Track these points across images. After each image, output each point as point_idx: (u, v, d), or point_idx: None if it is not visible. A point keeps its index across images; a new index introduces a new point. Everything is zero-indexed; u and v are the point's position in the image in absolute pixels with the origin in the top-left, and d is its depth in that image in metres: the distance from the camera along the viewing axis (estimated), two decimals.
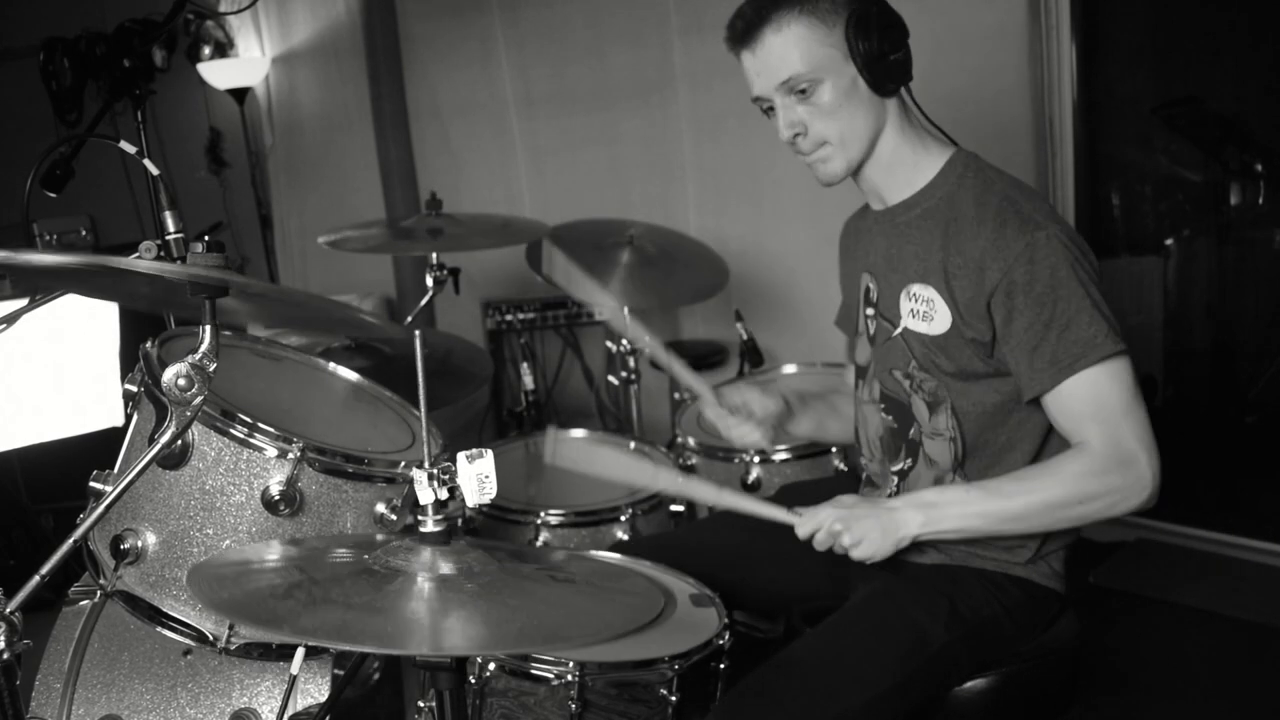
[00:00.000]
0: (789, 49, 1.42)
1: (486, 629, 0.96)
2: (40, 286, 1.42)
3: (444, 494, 1.08)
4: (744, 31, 1.45)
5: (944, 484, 1.52)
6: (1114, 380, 1.36)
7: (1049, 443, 1.49)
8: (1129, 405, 1.36)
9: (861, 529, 1.43)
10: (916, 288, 1.49)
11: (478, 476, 1.08)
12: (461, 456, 1.08)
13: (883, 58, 1.42)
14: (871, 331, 1.58)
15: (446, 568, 1.06)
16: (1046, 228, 1.38)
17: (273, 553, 1.19)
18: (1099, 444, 1.36)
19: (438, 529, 1.09)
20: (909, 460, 1.56)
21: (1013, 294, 1.38)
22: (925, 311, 1.48)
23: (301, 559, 1.15)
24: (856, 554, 1.44)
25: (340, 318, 1.57)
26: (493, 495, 1.09)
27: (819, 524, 1.46)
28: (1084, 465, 1.37)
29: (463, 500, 1.09)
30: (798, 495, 1.95)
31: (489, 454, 1.08)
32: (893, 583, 1.50)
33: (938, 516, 1.43)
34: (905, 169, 1.52)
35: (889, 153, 1.51)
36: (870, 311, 1.58)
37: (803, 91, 1.44)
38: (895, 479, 1.59)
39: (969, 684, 1.46)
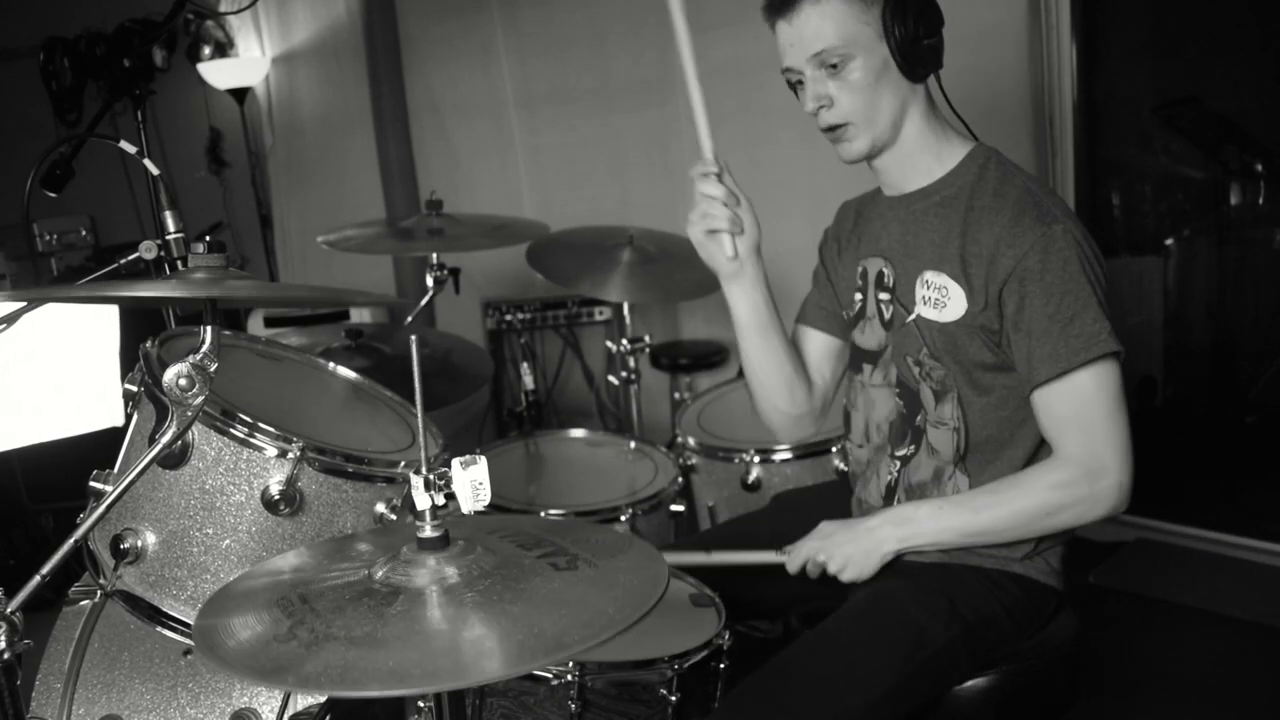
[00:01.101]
0: (825, 21, 1.43)
1: (491, 652, 0.95)
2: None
3: (441, 499, 1.08)
4: (783, 1, 1.46)
5: (943, 476, 1.53)
6: (1102, 385, 1.39)
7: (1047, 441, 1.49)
8: (1111, 412, 1.40)
9: (844, 555, 1.52)
10: (930, 275, 1.49)
11: (472, 483, 1.07)
12: (456, 463, 1.08)
13: (917, 41, 1.43)
14: (887, 316, 1.58)
15: (448, 575, 1.05)
16: (1063, 222, 1.40)
17: (278, 568, 1.18)
18: (1073, 452, 1.41)
19: (435, 534, 1.09)
20: (912, 446, 1.56)
21: (1025, 281, 1.39)
22: (937, 299, 1.48)
23: (306, 575, 1.14)
24: (844, 578, 1.52)
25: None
26: (487, 501, 1.09)
27: (805, 558, 1.55)
28: (1054, 477, 1.42)
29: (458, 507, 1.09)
30: (793, 500, 1.96)
31: (483, 460, 1.08)
32: (891, 582, 1.50)
33: (913, 532, 1.50)
34: (926, 157, 1.53)
35: (912, 139, 1.51)
36: (885, 296, 1.58)
37: (834, 66, 1.45)
38: (897, 464, 1.59)
39: (970, 683, 1.46)
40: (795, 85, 1.53)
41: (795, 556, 1.56)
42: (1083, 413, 1.39)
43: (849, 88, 1.46)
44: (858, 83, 1.45)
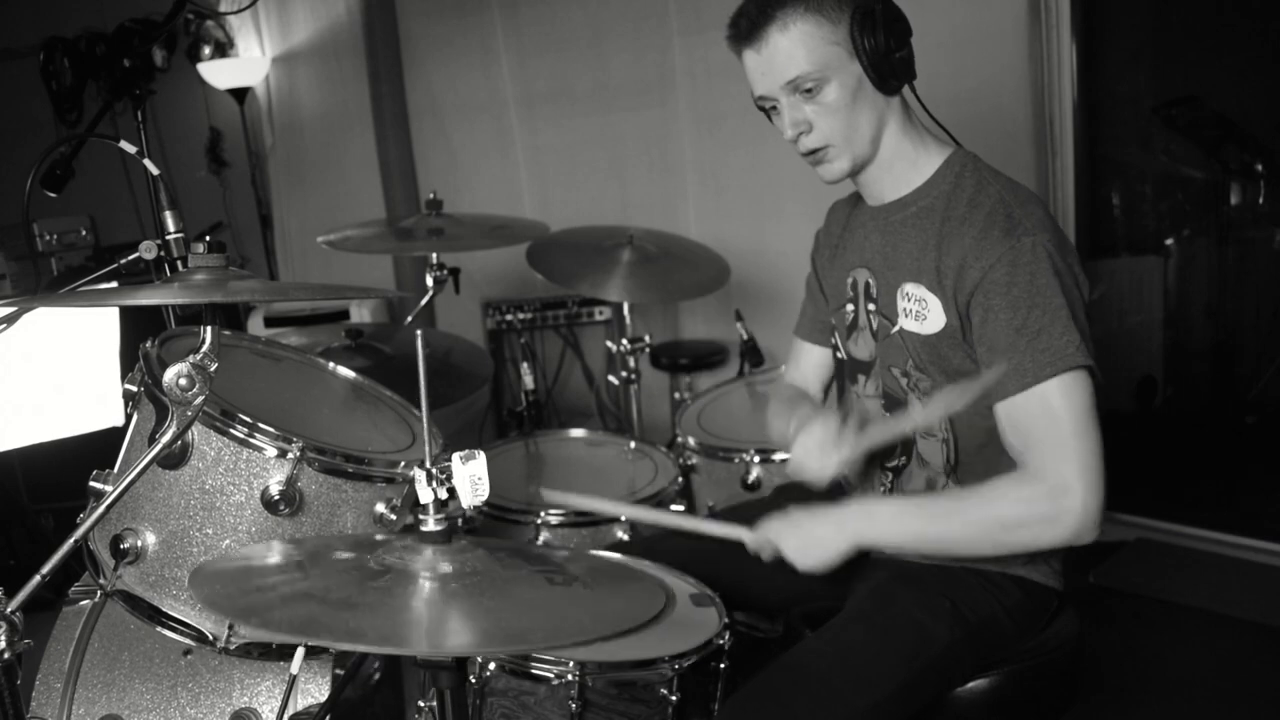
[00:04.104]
0: (795, 48, 1.41)
1: (449, 632, 0.97)
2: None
3: (444, 494, 1.08)
4: (748, 30, 1.44)
5: (936, 486, 1.53)
6: (1070, 399, 1.33)
7: None
8: (1080, 429, 1.33)
9: (800, 540, 1.48)
10: (910, 287, 1.48)
11: (471, 478, 1.08)
12: (456, 458, 1.08)
13: (888, 55, 1.41)
14: (874, 327, 1.57)
15: (441, 566, 1.07)
16: (1034, 234, 1.36)
17: (275, 553, 1.19)
18: (1037, 468, 1.35)
19: (437, 528, 1.10)
20: (903, 458, 1.56)
21: (991, 294, 1.37)
22: (918, 311, 1.47)
23: (303, 556, 1.16)
24: (800, 565, 1.48)
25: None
26: (485, 496, 1.10)
27: (765, 538, 1.51)
28: (1017, 490, 1.36)
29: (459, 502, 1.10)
30: (795, 493, 1.96)
31: (481, 455, 1.09)
32: (893, 583, 1.50)
33: (872, 529, 1.46)
34: (904, 166, 1.52)
35: (890, 151, 1.50)
36: (872, 307, 1.58)
37: (809, 91, 1.43)
38: (890, 475, 1.59)
39: (970, 684, 1.46)
40: (769, 111, 1.51)
41: (757, 536, 1.52)
42: (1049, 428, 1.34)
43: (826, 110, 1.44)
44: (834, 104, 1.43)
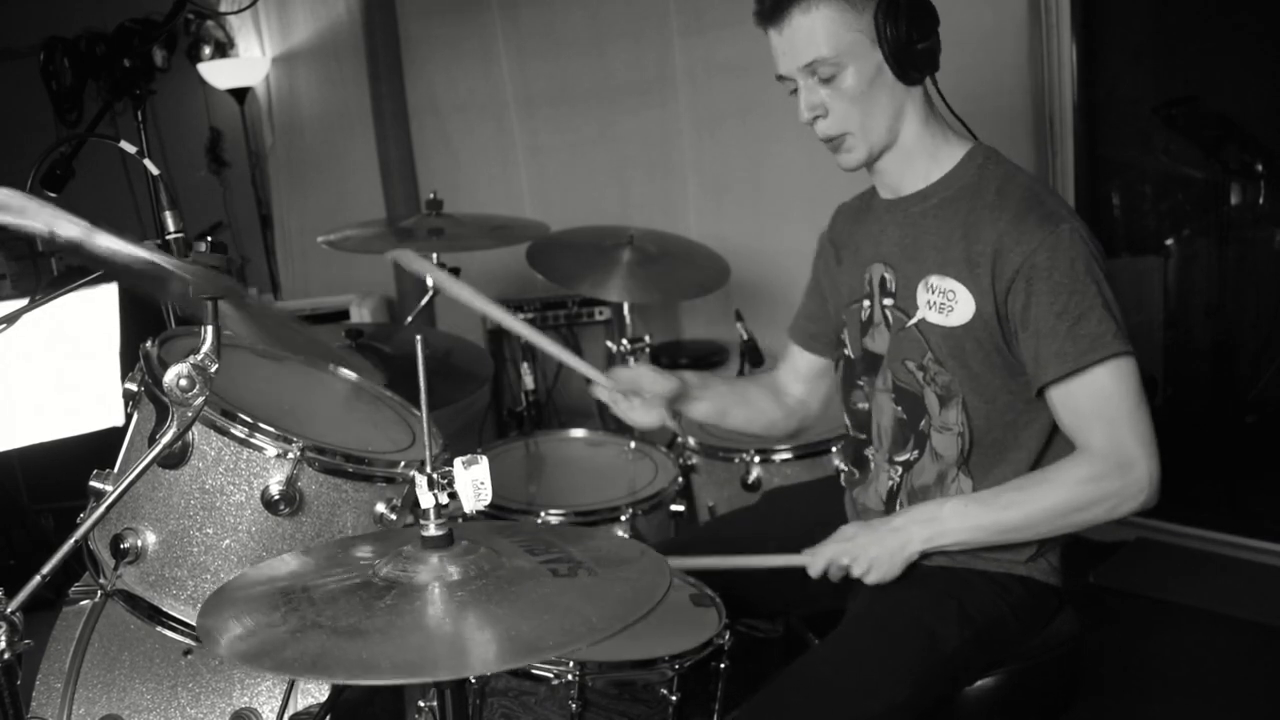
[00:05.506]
0: (815, 31, 1.42)
1: (463, 651, 0.96)
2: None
3: (445, 498, 1.08)
4: (772, 9, 1.45)
5: (946, 479, 1.52)
6: (1120, 380, 1.38)
7: (1052, 444, 1.49)
8: (1133, 406, 1.39)
9: (869, 557, 1.48)
10: (935, 279, 1.48)
11: (473, 483, 1.08)
12: (458, 462, 1.08)
13: (910, 45, 1.42)
14: (890, 321, 1.58)
15: (447, 574, 1.06)
16: (1069, 221, 1.40)
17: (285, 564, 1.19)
18: (1100, 446, 1.39)
19: (440, 533, 1.09)
20: (915, 452, 1.56)
21: (1033, 280, 1.39)
22: (943, 303, 1.47)
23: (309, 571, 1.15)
24: (869, 580, 1.49)
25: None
26: (488, 500, 1.10)
27: (828, 560, 1.51)
28: (1083, 471, 1.40)
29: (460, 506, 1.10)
30: (784, 497, 1.96)
31: (484, 460, 1.09)
32: (899, 587, 1.50)
33: (940, 531, 1.47)
34: (924, 159, 1.52)
35: (910, 142, 1.51)
36: (889, 302, 1.57)
37: (827, 76, 1.44)
38: (899, 469, 1.58)
39: (971, 684, 1.46)
40: (793, 91, 1.52)
41: (818, 559, 1.52)
42: (1106, 408, 1.38)
43: (842, 96, 1.45)
44: (851, 90, 1.44)
